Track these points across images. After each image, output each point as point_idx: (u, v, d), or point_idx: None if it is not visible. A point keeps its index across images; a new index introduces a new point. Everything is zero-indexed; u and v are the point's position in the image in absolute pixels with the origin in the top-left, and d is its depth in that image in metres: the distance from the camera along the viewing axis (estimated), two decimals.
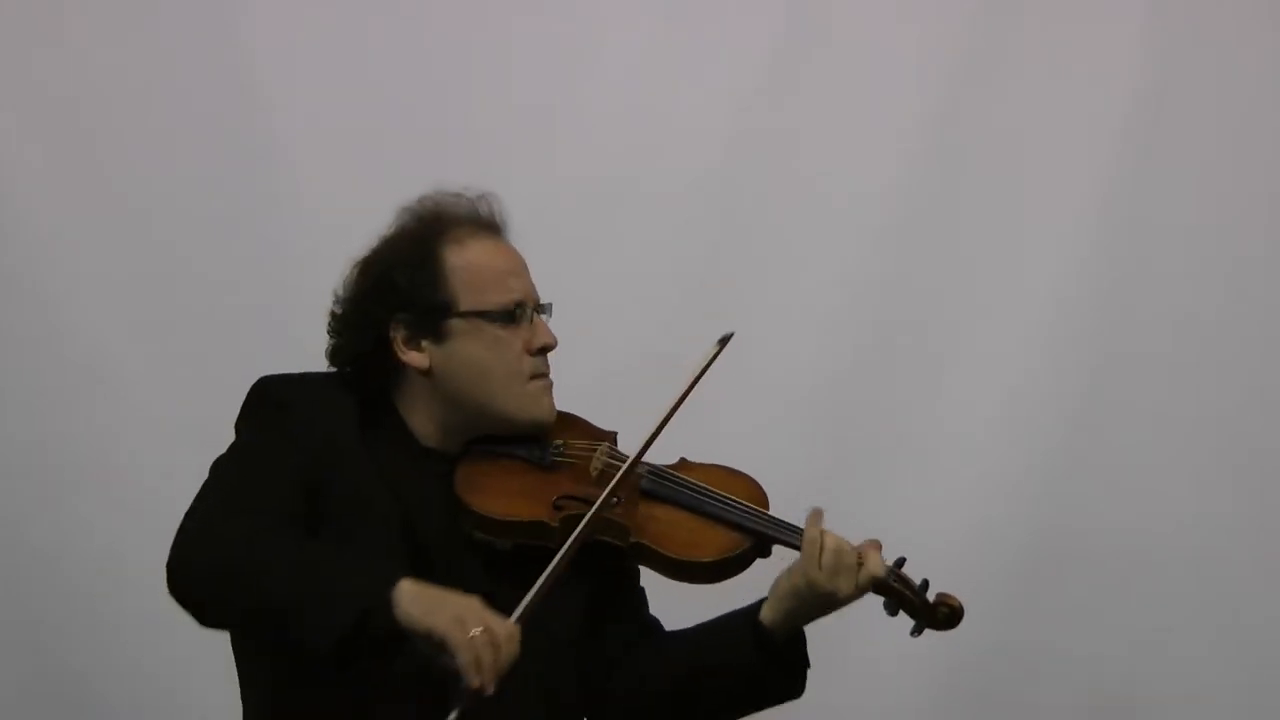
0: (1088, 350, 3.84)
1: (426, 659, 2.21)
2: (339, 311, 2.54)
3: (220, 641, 3.62)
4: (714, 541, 2.45)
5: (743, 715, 2.53)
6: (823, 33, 3.86)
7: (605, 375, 3.53)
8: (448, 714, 2.21)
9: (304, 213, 3.76)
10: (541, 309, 2.54)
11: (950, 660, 3.72)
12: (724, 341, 2.54)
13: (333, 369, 2.55)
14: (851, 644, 3.63)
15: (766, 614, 2.45)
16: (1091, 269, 3.85)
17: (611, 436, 2.56)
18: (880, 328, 3.84)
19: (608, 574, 2.50)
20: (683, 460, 2.56)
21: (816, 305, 3.84)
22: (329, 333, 2.55)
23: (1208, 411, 3.82)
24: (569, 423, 2.56)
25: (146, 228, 3.76)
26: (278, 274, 3.76)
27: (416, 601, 2.20)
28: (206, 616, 2.37)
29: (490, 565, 2.42)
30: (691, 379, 2.50)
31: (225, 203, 3.76)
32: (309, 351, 3.69)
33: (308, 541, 2.35)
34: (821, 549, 2.40)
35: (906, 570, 2.48)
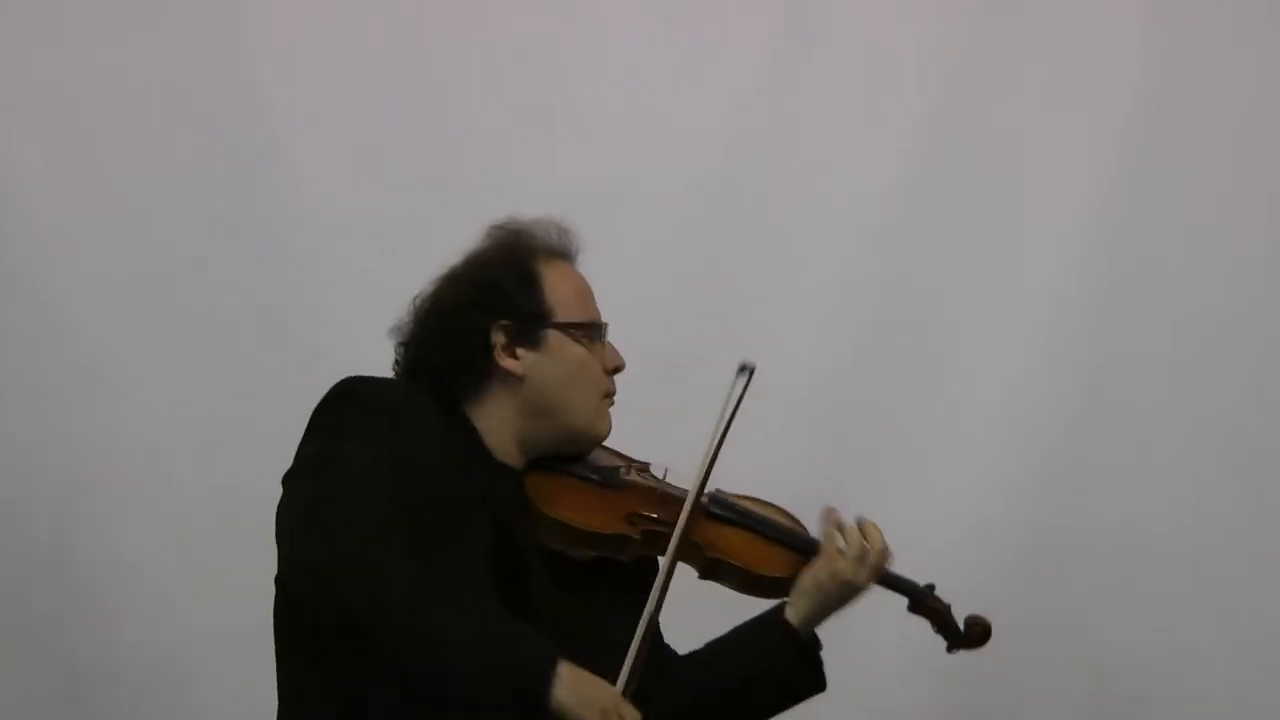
0: (1088, 350, 3.84)
1: None
2: (434, 320, 2.57)
3: (224, 643, 3.64)
4: (781, 560, 2.60)
5: (778, 714, 2.64)
6: (823, 33, 3.86)
7: None
8: None
9: (304, 213, 3.76)
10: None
11: (949, 659, 3.72)
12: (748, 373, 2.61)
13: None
14: (850, 644, 3.62)
15: (793, 614, 2.59)
16: (1091, 269, 3.85)
17: (646, 466, 2.66)
18: (880, 328, 3.84)
19: (625, 596, 2.54)
20: (718, 491, 2.64)
21: (816, 305, 3.84)
22: (409, 345, 2.58)
23: (1208, 411, 3.82)
24: (610, 453, 2.65)
25: (146, 228, 3.76)
26: (278, 274, 3.76)
27: (573, 691, 2.26)
28: (345, 623, 2.30)
29: (563, 577, 2.50)
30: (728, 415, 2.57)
31: (225, 203, 3.76)
32: (309, 351, 3.73)
33: (465, 588, 2.36)
34: (846, 536, 2.58)
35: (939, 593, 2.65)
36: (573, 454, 2.60)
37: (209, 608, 3.67)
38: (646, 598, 2.46)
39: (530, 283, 2.57)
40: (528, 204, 3.76)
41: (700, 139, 3.82)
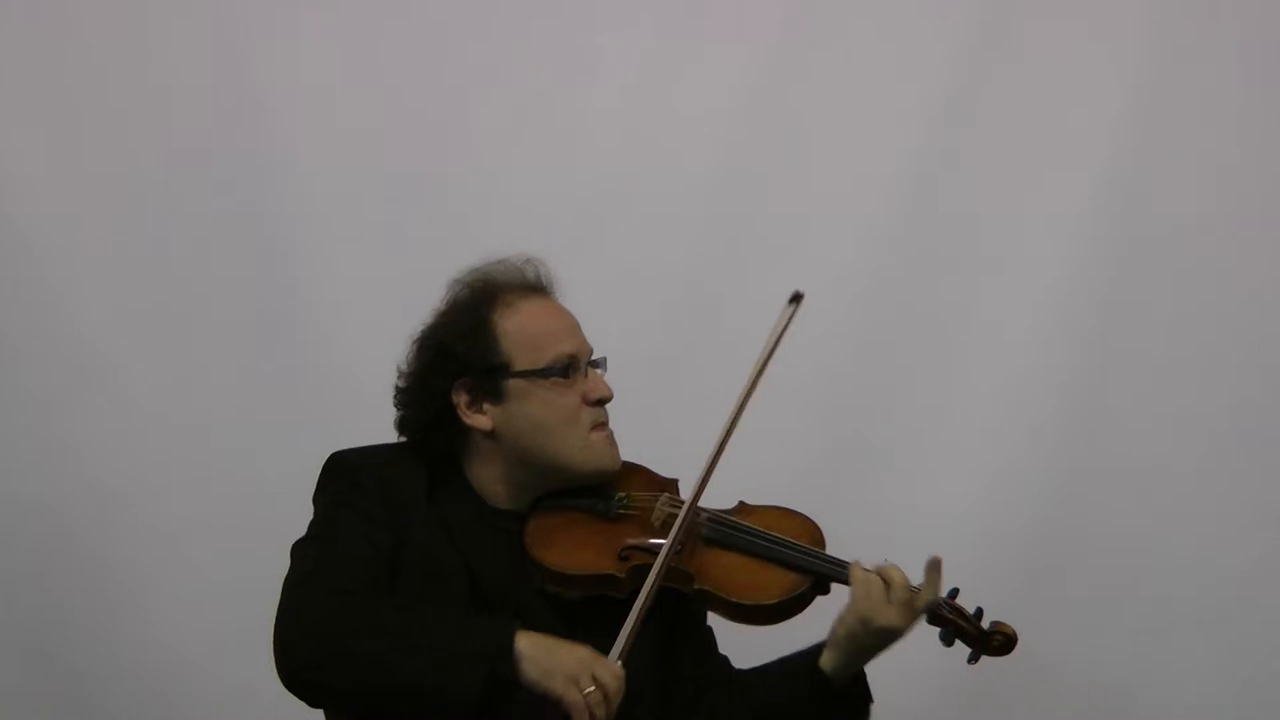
0: (1088, 350, 3.83)
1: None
2: (402, 385, 2.62)
3: (224, 642, 3.64)
4: (775, 583, 2.53)
5: None
6: (823, 33, 3.85)
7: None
8: None
9: (304, 213, 3.76)
10: (595, 363, 2.62)
11: (949, 659, 3.71)
12: (795, 301, 2.64)
13: (403, 439, 2.64)
14: None
15: (827, 661, 2.54)
16: (1091, 269, 3.84)
17: (673, 485, 2.64)
18: (880, 327, 3.83)
19: (675, 618, 2.59)
20: (741, 504, 2.63)
21: (817, 305, 3.82)
22: (395, 405, 2.64)
23: (1208, 411, 3.81)
24: (632, 472, 2.64)
25: (147, 227, 3.76)
26: (278, 274, 3.75)
27: (534, 662, 2.35)
28: (324, 699, 2.46)
29: (563, 616, 2.51)
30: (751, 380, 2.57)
31: (225, 203, 3.75)
32: (309, 351, 3.72)
33: (411, 610, 2.44)
34: (887, 584, 2.49)
35: (960, 601, 2.57)
36: (575, 487, 2.59)
37: (209, 607, 3.66)
38: (655, 635, 2.50)
39: (483, 336, 2.57)
40: (526, 205, 3.77)
41: (700, 139, 3.81)
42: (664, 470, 2.66)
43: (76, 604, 3.70)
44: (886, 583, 2.49)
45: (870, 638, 2.50)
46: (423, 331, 2.62)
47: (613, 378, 2.63)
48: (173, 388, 3.74)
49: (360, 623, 2.39)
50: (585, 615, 2.49)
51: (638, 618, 2.41)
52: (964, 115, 3.85)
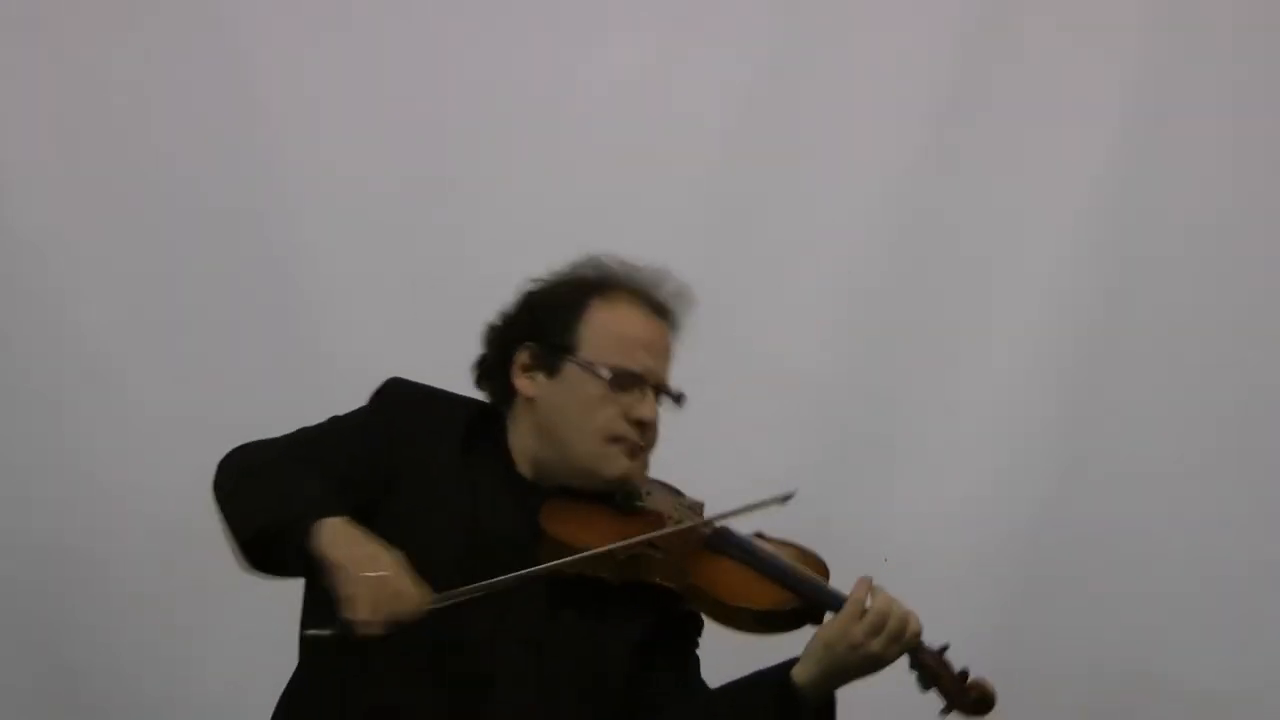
0: (1088, 350, 3.84)
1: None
2: (487, 329, 2.65)
3: (224, 642, 3.65)
4: (765, 594, 2.53)
5: None
6: (824, 32, 3.86)
7: None
8: (318, 638, 2.33)
9: (304, 213, 3.77)
10: (671, 393, 2.60)
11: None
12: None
13: (463, 392, 2.65)
14: None
15: (799, 671, 2.46)
16: (1092, 268, 3.85)
17: (699, 506, 2.65)
18: (880, 328, 3.84)
19: (664, 626, 2.56)
20: (758, 534, 2.63)
21: (816, 306, 3.83)
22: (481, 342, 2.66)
23: (1208, 411, 3.82)
24: (662, 486, 2.66)
25: (146, 228, 3.77)
26: (278, 274, 3.76)
27: (336, 535, 2.34)
28: (222, 515, 2.51)
29: (553, 587, 2.49)
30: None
31: (225, 203, 3.76)
32: (310, 351, 3.73)
33: (315, 472, 2.48)
34: (867, 606, 2.43)
35: (949, 656, 2.53)
36: (590, 490, 2.59)
37: (209, 607, 3.67)
38: (635, 625, 2.51)
39: (571, 314, 2.58)
40: (526, 204, 3.78)
41: (699, 140, 3.82)
42: (674, 480, 2.69)
43: (76, 604, 3.71)
44: (872, 606, 2.42)
45: (847, 656, 2.42)
46: (529, 285, 2.64)
47: None
48: (173, 388, 3.75)
49: (266, 459, 2.50)
50: (574, 592, 2.48)
51: (508, 580, 2.41)
52: (964, 115, 3.86)
